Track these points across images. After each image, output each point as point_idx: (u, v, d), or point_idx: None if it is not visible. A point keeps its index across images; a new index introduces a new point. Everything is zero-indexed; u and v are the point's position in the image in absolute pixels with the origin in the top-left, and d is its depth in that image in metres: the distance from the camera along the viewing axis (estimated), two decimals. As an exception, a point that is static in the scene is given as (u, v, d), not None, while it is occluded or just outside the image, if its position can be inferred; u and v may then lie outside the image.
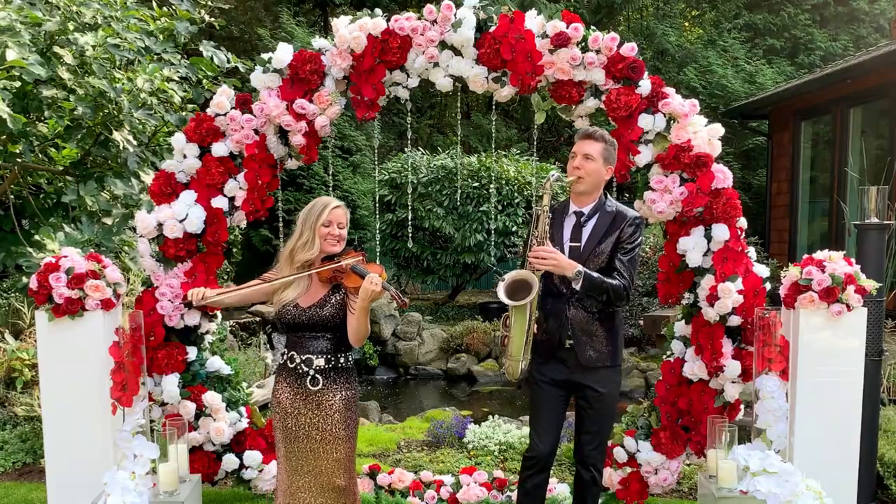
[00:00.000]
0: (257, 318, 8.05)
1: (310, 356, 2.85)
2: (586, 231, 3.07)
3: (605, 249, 3.03)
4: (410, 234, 9.37)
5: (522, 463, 3.21)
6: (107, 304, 3.14)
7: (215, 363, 3.59)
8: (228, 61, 4.84)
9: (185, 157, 3.40)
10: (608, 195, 3.18)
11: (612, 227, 3.04)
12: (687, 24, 18.06)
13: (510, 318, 2.93)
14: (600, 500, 3.70)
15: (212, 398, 3.49)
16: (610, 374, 3.09)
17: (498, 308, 6.36)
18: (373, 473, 4.01)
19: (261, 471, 3.65)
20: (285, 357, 2.93)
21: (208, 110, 3.42)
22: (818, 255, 3.12)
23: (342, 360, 2.91)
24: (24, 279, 4.39)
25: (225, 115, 3.37)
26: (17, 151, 4.57)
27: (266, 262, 11.16)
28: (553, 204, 3.13)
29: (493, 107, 3.76)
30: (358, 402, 2.99)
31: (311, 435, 2.85)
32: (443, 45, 3.27)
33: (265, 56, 3.37)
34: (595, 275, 2.95)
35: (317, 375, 2.85)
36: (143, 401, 3.21)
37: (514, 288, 2.90)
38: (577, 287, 2.94)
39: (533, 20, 3.22)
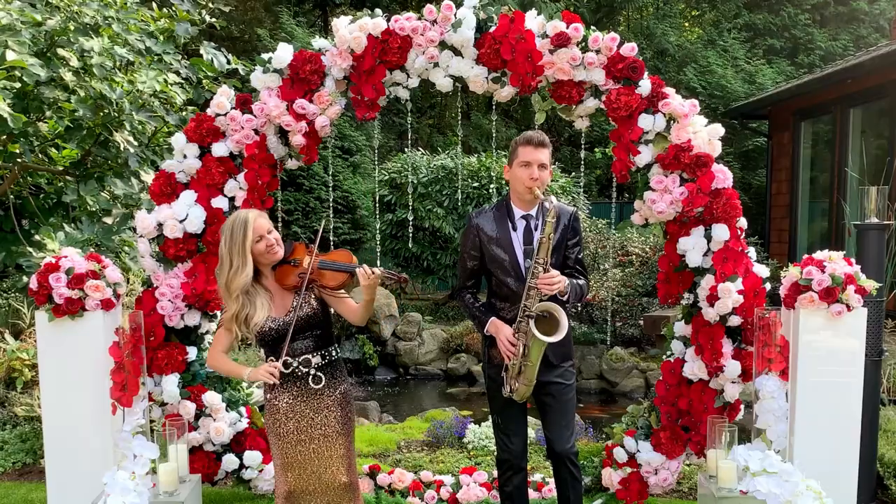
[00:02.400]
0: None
1: (306, 356, 2.83)
2: (538, 234, 3.06)
3: (556, 247, 3.06)
4: (411, 235, 9.37)
5: (499, 467, 3.24)
6: (107, 304, 3.14)
7: (215, 363, 3.60)
8: (229, 63, 4.84)
9: (185, 157, 3.40)
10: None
11: (557, 225, 3.02)
12: (687, 24, 18.08)
13: (529, 347, 2.94)
14: (601, 501, 3.71)
15: (212, 398, 3.49)
16: (570, 368, 3.19)
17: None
18: (373, 473, 4.01)
19: (261, 471, 3.65)
20: None
21: (208, 110, 3.42)
22: (818, 255, 3.12)
23: (334, 353, 2.92)
24: (24, 279, 4.39)
25: (225, 115, 3.37)
26: (17, 151, 4.57)
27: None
28: (489, 207, 3.19)
29: (493, 107, 3.76)
30: (352, 395, 3.00)
31: (313, 435, 2.84)
32: (443, 45, 3.27)
33: (265, 56, 3.37)
34: (574, 282, 3.05)
35: (318, 373, 2.85)
36: (143, 401, 3.22)
37: (539, 319, 2.94)
38: (565, 299, 3.00)
39: (533, 20, 3.22)
